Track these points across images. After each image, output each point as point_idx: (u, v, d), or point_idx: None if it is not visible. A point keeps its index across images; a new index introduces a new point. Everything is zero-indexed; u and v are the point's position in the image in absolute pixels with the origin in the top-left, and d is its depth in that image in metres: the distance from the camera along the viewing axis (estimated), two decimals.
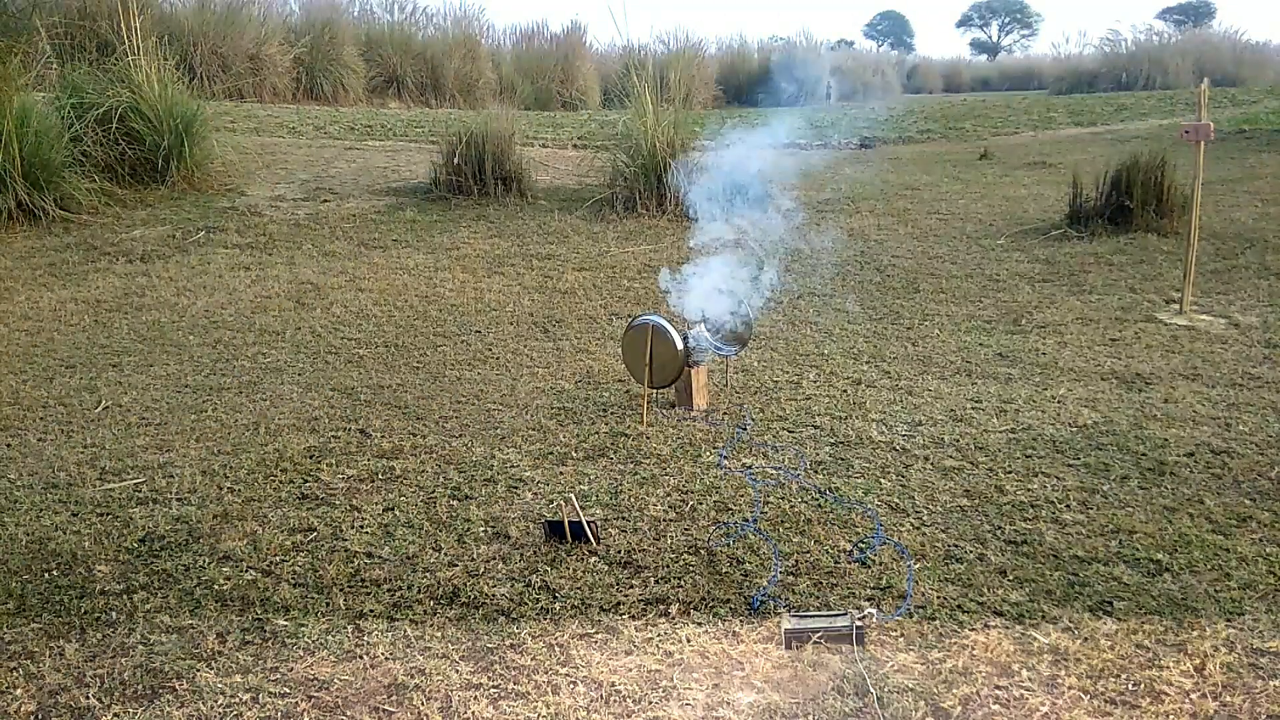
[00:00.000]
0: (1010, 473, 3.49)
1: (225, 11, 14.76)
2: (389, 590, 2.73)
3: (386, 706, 2.25)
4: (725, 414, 4.10)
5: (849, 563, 2.87)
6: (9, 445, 3.75)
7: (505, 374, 4.64)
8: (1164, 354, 4.82)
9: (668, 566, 2.85)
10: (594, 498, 3.31)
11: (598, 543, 2.97)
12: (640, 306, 5.81)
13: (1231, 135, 12.02)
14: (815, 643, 2.44)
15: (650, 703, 2.25)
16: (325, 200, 8.58)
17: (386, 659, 2.42)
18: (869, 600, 2.67)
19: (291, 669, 2.37)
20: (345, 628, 2.55)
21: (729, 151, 5.16)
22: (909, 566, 2.83)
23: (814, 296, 6.05)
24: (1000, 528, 3.08)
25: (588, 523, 2.97)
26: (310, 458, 3.63)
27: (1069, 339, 5.11)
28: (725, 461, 3.60)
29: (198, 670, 2.36)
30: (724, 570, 2.83)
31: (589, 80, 20.56)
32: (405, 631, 2.53)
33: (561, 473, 3.52)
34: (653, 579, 2.79)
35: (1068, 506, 3.22)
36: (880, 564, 2.86)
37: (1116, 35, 24.99)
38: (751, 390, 4.39)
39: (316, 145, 11.26)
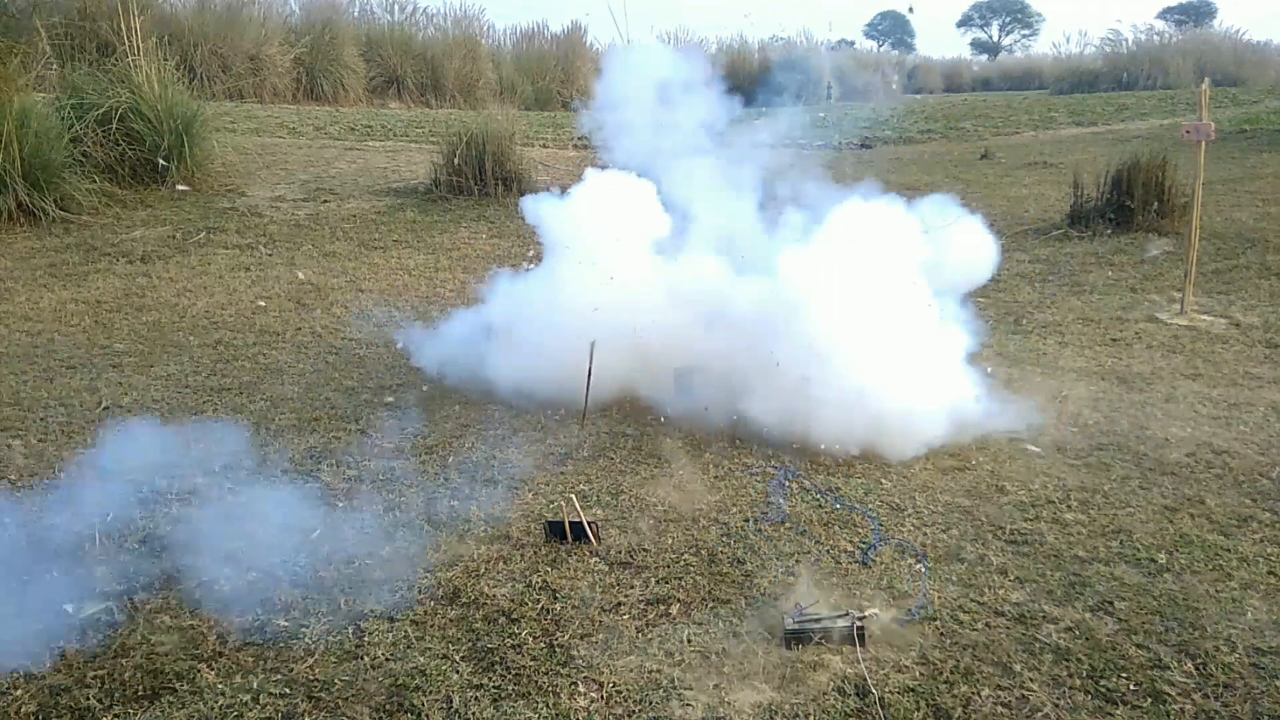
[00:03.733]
0: (1011, 473, 3.49)
1: (225, 12, 14.76)
2: (389, 590, 2.72)
3: (386, 707, 2.25)
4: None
5: (850, 563, 2.87)
6: (9, 445, 3.75)
7: None
8: (1165, 354, 4.82)
9: (668, 566, 2.85)
10: (594, 498, 3.31)
11: (598, 543, 2.97)
12: None
13: (1232, 135, 12.01)
14: (816, 643, 2.44)
15: (650, 703, 2.25)
16: (325, 201, 8.58)
17: (387, 659, 2.42)
18: (870, 601, 2.67)
19: (291, 669, 2.37)
20: (345, 628, 2.55)
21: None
22: (924, 568, 2.83)
23: None
24: (1001, 528, 3.08)
25: (588, 523, 2.97)
26: (310, 458, 3.63)
27: (1070, 339, 5.11)
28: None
29: (198, 670, 2.36)
30: (724, 570, 2.83)
31: (589, 80, 20.54)
32: (405, 631, 2.53)
33: (562, 473, 3.52)
34: (653, 579, 2.78)
35: (1068, 506, 3.22)
36: (881, 564, 2.86)
37: (1117, 35, 24.97)
38: None
39: (317, 146, 11.26)
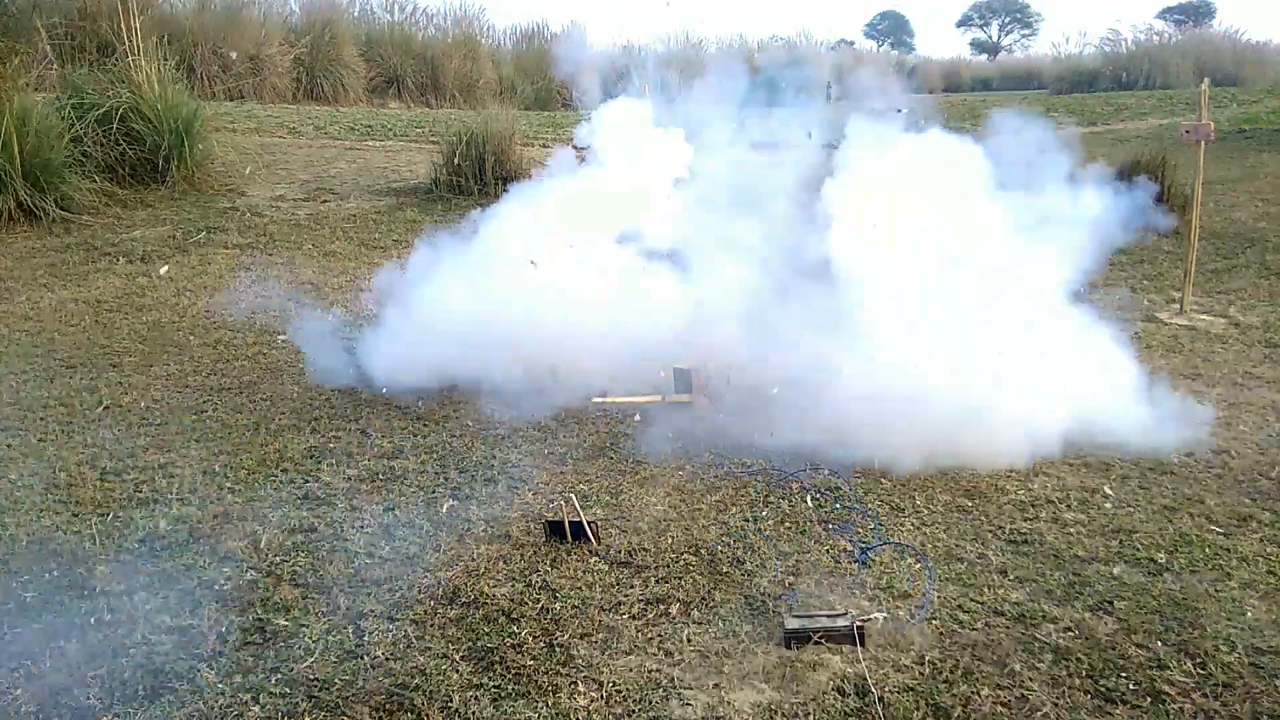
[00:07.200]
0: (1010, 473, 3.49)
1: (225, 12, 14.75)
2: (389, 590, 2.72)
3: (386, 706, 2.25)
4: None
5: (850, 563, 2.87)
6: (9, 445, 3.75)
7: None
8: (1164, 354, 4.82)
9: (668, 566, 2.85)
10: (594, 498, 3.31)
11: (598, 543, 2.97)
12: None
13: (1232, 135, 12.00)
14: (816, 643, 2.44)
15: (650, 703, 2.25)
16: (325, 201, 8.57)
17: (386, 659, 2.42)
18: (870, 601, 2.67)
19: (291, 669, 2.37)
20: (345, 628, 2.55)
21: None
22: (928, 570, 2.82)
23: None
24: (1000, 527, 3.08)
25: (588, 523, 2.97)
26: (310, 458, 3.63)
27: None
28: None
29: (198, 670, 2.36)
30: (724, 570, 2.83)
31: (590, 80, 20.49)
32: (405, 631, 2.53)
33: (561, 473, 3.52)
34: (653, 579, 2.78)
35: (1068, 506, 3.22)
36: (880, 564, 2.86)
37: (1117, 35, 24.95)
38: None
39: (317, 145, 11.25)
